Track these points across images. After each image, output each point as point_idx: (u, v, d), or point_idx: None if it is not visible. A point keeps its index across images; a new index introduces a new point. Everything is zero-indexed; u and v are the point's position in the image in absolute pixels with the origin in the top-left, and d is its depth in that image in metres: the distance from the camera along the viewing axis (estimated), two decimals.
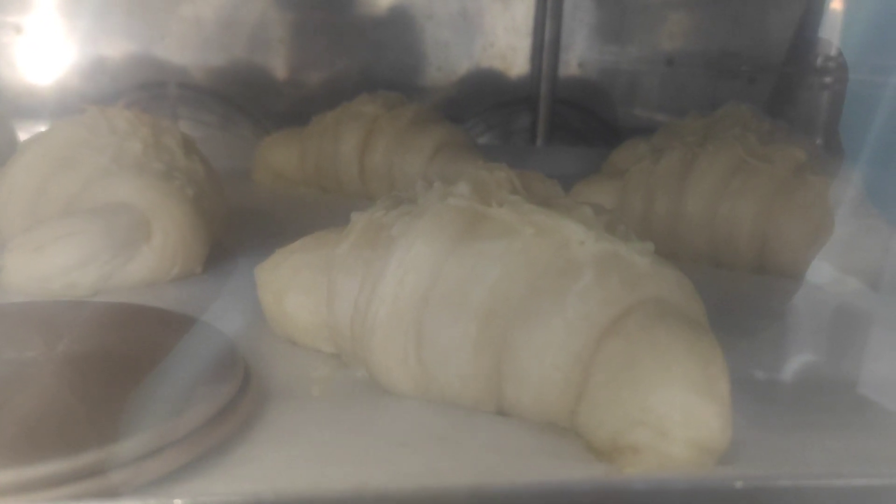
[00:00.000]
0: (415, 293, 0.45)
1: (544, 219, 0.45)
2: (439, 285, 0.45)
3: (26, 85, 1.27)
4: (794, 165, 0.75)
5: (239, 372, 0.45)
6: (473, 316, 0.44)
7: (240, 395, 0.43)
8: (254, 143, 1.10)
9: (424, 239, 0.45)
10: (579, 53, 1.39)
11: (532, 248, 0.44)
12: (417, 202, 0.48)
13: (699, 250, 0.76)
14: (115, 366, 0.43)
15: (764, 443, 0.43)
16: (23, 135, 0.94)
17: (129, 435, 0.37)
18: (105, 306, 0.53)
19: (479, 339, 0.44)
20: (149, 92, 1.34)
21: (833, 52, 1.39)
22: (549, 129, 1.39)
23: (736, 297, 0.71)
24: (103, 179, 0.65)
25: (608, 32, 1.40)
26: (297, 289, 0.53)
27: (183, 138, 0.73)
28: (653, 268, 0.44)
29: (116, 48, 1.31)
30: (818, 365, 0.56)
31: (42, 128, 0.72)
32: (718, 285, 0.73)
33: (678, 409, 0.39)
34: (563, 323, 0.42)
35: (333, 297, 0.50)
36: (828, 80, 1.41)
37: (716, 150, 0.76)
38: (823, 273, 0.71)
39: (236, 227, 0.81)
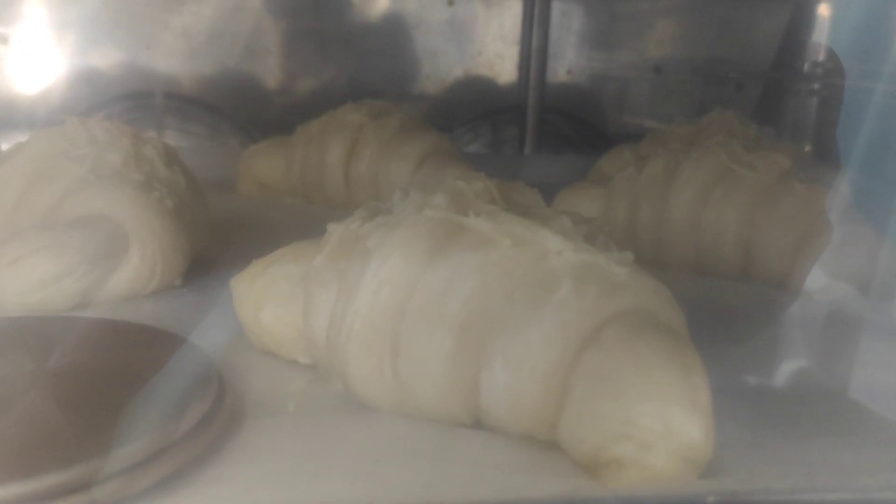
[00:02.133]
0: (390, 305, 0.44)
1: (521, 229, 0.44)
2: (415, 298, 0.44)
3: (12, 96, 1.27)
4: (778, 172, 0.74)
5: (213, 388, 0.44)
6: (449, 328, 0.43)
7: (213, 412, 0.42)
8: (241, 153, 1.09)
9: (400, 251, 0.45)
10: (567, 61, 1.39)
11: (509, 259, 0.44)
12: (394, 213, 0.48)
13: (684, 258, 0.75)
14: (84, 384, 0.43)
15: (746, 454, 0.43)
16: (6, 146, 0.93)
17: (90, 457, 0.36)
18: (77, 322, 0.52)
19: (456, 351, 0.43)
20: (135, 102, 1.33)
21: (821, 58, 1.39)
22: (538, 137, 1.38)
23: (721, 306, 0.70)
24: (81, 191, 0.64)
25: (596, 40, 1.40)
26: (273, 300, 0.52)
27: (164, 149, 0.72)
28: (632, 278, 0.43)
29: (103, 58, 1.30)
30: (804, 373, 0.55)
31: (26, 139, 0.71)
32: (703, 293, 0.72)
33: (660, 421, 0.38)
34: (540, 334, 0.42)
35: (309, 309, 0.49)
36: (816, 85, 1.41)
37: (699, 157, 0.75)
38: (810, 280, 0.71)
39: (219, 239, 0.80)
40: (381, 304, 0.44)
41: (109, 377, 0.43)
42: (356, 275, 0.46)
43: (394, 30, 1.37)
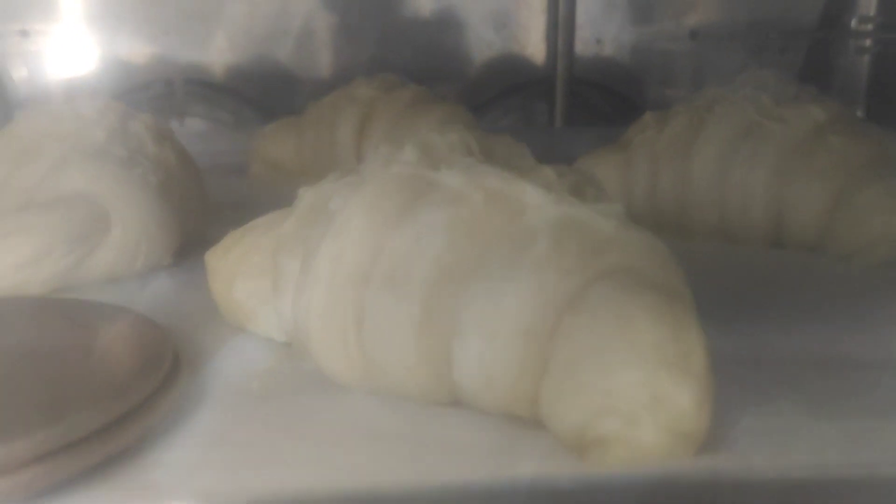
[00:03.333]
0: (354, 271, 0.40)
1: (497, 183, 0.40)
2: (380, 262, 0.40)
3: (37, 85, 1.26)
4: (811, 126, 0.68)
5: (163, 367, 0.40)
6: (416, 294, 0.39)
7: (160, 393, 0.39)
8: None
9: (363, 211, 0.41)
10: (597, 30, 1.32)
11: (482, 215, 0.39)
12: (360, 171, 0.44)
13: (710, 224, 0.69)
14: (24, 363, 0.39)
15: (762, 430, 0.38)
16: None
17: (18, 438, 0.33)
18: (27, 302, 0.50)
19: (423, 319, 0.39)
20: (160, 90, 1.32)
21: (872, 12, 1.30)
22: (569, 110, 1.32)
23: (750, 274, 0.64)
24: (62, 169, 0.62)
25: (627, 6, 1.33)
26: (246, 274, 0.49)
27: (155, 125, 0.69)
28: (619, 232, 0.38)
29: (128, 46, 1.29)
30: (837, 343, 0.50)
31: None
32: (731, 262, 0.66)
33: (646, 390, 0.34)
34: (515, 297, 0.37)
35: (278, 281, 0.45)
36: (867, 42, 1.32)
37: (724, 112, 0.69)
38: (848, 243, 0.64)
39: (224, 219, 0.77)
40: (342, 271, 0.40)
41: (52, 356, 0.40)
42: (317, 240, 0.42)
43: (417, 8, 1.33)
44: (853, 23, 1.28)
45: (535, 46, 1.32)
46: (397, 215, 0.40)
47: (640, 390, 0.34)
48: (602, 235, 0.38)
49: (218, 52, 1.30)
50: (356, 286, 0.40)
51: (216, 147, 1.07)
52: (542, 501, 0.34)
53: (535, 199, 0.39)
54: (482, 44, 1.33)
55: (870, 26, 1.28)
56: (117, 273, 0.61)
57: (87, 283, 0.60)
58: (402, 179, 0.41)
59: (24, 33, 1.26)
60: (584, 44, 1.32)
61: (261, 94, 1.32)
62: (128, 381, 0.38)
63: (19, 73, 1.27)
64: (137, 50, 1.29)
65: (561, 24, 1.28)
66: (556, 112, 1.31)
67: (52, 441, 0.33)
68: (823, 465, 0.32)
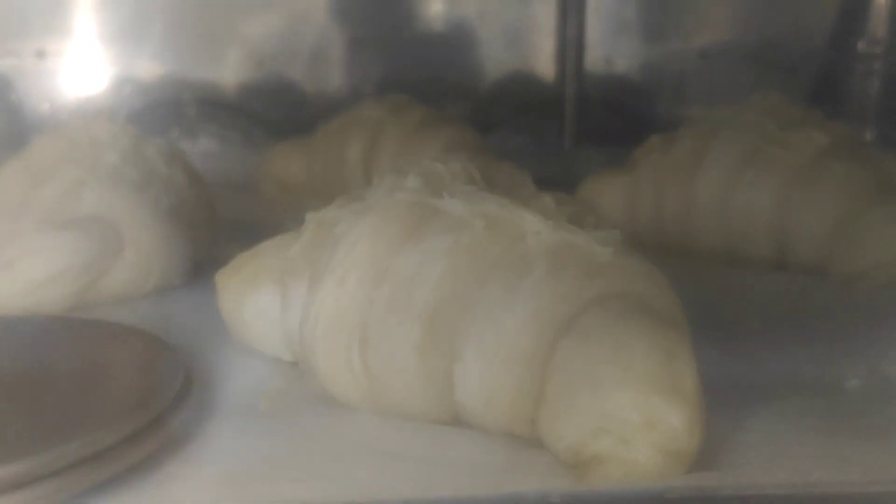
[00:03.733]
0: (358, 294, 0.41)
1: (497, 209, 0.41)
2: (384, 285, 0.41)
3: (50, 106, 1.28)
4: (815, 151, 0.68)
5: (174, 386, 0.41)
6: (418, 317, 0.40)
7: (172, 410, 0.40)
8: None
9: (368, 237, 0.42)
10: (606, 50, 1.34)
11: (482, 241, 0.40)
12: (366, 198, 0.45)
13: (713, 247, 0.70)
14: (38, 382, 0.41)
15: (756, 450, 0.39)
16: None
17: (34, 453, 0.34)
18: (41, 321, 0.51)
19: (425, 341, 0.40)
20: (172, 108, 1.34)
21: (881, 34, 1.31)
22: (579, 129, 1.33)
23: (752, 297, 0.65)
24: (77, 191, 0.63)
25: (635, 26, 1.34)
26: (254, 295, 0.50)
27: (168, 148, 0.71)
28: (616, 258, 0.40)
29: (137, 66, 1.31)
30: (834, 367, 0.50)
31: None
32: (734, 284, 0.67)
33: (639, 412, 0.35)
34: (513, 321, 0.38)
35: (285, 303, 0.47)
36: (876, 65, 1.33)
37: (729, 137, 0.70)
38: (850, 267, 0.65)
39: (233, 240, 0.78)
40: (347, 294, 0.41)
41: (65, 374, 0.41)
42: (323, 264, 0.43)
43: (428, 27, 1.34)
44: (860, 45, 1.29)
45: (544, 66, 1.33)
46: (401, 241, 0.41)
47: (633, 412, 0.35)
48: (599, 261, 0.39)
49: (229, 72, 1.32)
50: (360, 309, 0.41)
51: (227, 166, 1.08)
52: None
53: (533, 226, 0.40)
54: (492, 63, 1.34)
55: (878, 49, 1.29)
56: (130, 293, 0.62)
57: (100, 302, 0.61)
58: (406, 206, 0.42)
59: (41, 54, 1.29)
60: (594, 63, 1.33)
61: (272, 113, 1.34)
62: (139, 400, 0.39)
63: (35, 93, 1.29)
64: (150, 69, 1.30)
65: (570, 43, 1.29)
66: (565, 131, 1.32)
67: (65, 458, 0.34)
68: (804, 483, 0.33)
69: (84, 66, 1.29)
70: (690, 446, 0.34)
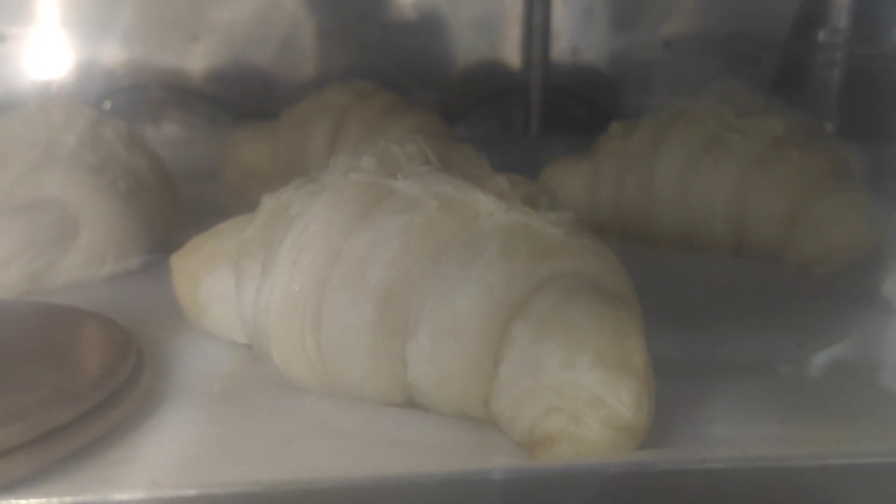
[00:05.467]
0: (311, 275, 0.41)
1: (451, 190, 0.41)
2: (338, 266, 0.41)
3: (9, 90, 1.26)
4: (771, 138, 0.69)
5: (126, 367, 0.41)
6: (370, 296, 0.40)
7: (122, 393, 0.40)
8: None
9: (322, 217, 0.42)
10: (572, 39, 1.34)
11: (436, 221, 0.40)
12: (320, 179, 0.45)
13: (672, 233, 0.71)
14: None
15: (704, 427, 0.39)
16: None
17: None
18: (1, 304, 0.50)
19: (378, 321, 0.40)
20: (137, 94, 1.32)
21: (843, 24, 1.32)
22: (545, 118, 1.34)
23: (710, 282, 0.66)
24: (33, 174, 0.62)
25: (601, 16, 1.35)
26: (210, 278, 0.50)
27: (127, 132, 0.70)
28: (568, 239, 0.40)
29: (102, 51, 1.29)
30: (790, 349, 0.51)
31: None
32: (692, 270, 0.68)
33: (588, 389, 0.35)
34: (465, 300, 0.38)
35: (240, 285, 0.46)
36: (837, 55, 1.34)
37: (687, 125, 0.71)
38: (805, 252, 0.66)
39: (195, 225, 0.78)
40: (300, 275, 0.41)
41: (17, 356, 0.41)
42: (277, 245, 0.43)
43: (398, 15, 1.34)
44: (822, 35, 1.30)
45: (511, 55, 1.34)
46: (355, 221, 0.41)
47: (584, 389, 0.35)
48: (551, 241, 0.39)
49: (195, 58, 1.31)
50: (314, 289, 0.41)
51: (191, 152, 1.07)
52: (493, 494, 0.35)
53: (487, 207, 0.40)
54: (460, 51, 1.34)
55: (839, 39, 1.30)
56: (85, 277, 0.61)
57: (55, 286, 0.60)
58: (360, 187, 0.42)
59: (1, 38, 1.26)
60: (560, 52, 1.34)
61: (238, 100, 1.32)
62: (90, 381, 0.39)
63: None
64: (114, 55, 1.29)
65: (536, 32, 1.29)
66: (531, 120, 1.33)
67: (15, 438, 0.34)
68: (742, 458, 0.34)
69: (47, 51, 1.27)
70: (640, 422, 0.35)
